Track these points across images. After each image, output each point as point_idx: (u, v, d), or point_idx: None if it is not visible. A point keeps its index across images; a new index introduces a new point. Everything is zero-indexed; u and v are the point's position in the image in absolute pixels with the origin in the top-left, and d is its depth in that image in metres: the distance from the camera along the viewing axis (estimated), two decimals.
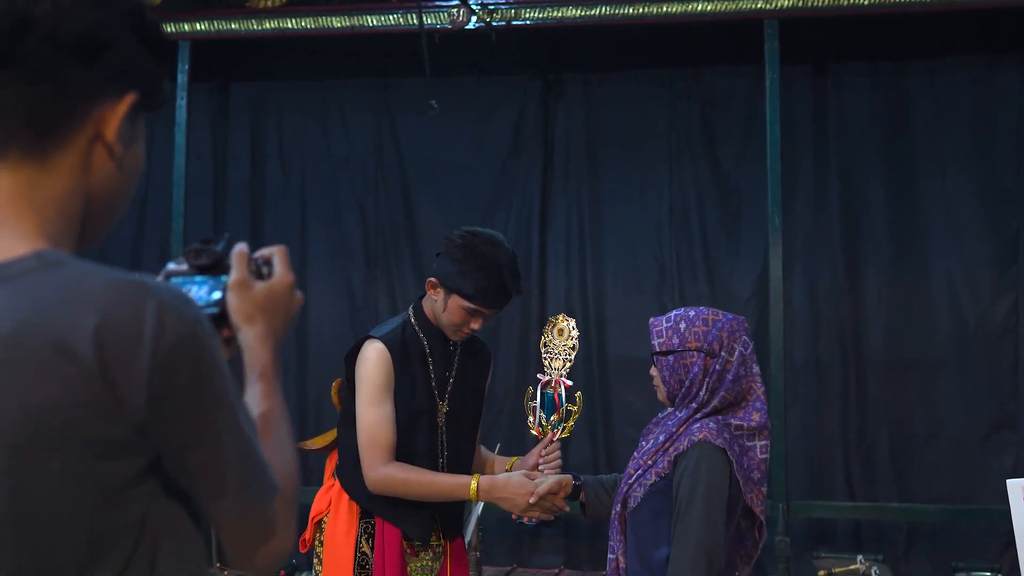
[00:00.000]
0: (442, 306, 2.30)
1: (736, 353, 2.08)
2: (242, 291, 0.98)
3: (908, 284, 3.99)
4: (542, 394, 2.40)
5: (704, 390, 2.08)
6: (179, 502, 0.90)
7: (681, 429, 2.07)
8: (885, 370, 3.96)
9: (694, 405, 2.08)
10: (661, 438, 2.10)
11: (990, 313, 3.90)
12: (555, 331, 2.44)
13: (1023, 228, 3.92)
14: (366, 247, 4.40)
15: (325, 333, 4.35)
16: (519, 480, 2.27)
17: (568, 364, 2.44)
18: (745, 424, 2.09)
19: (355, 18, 3.84)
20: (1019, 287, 3.89)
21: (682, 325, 2.12)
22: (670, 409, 2.16)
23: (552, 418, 2.37)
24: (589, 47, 4.19)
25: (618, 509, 2.15)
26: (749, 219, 4.13)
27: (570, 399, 2.40)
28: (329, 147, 4.41)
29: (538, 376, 2.42)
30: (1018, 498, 2.20)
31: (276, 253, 1.03)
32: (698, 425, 2.04)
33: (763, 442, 2.10)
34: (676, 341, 2.11)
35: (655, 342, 2.16)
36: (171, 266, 0.92)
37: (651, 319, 2.20)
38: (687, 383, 2.10)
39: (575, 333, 2.44)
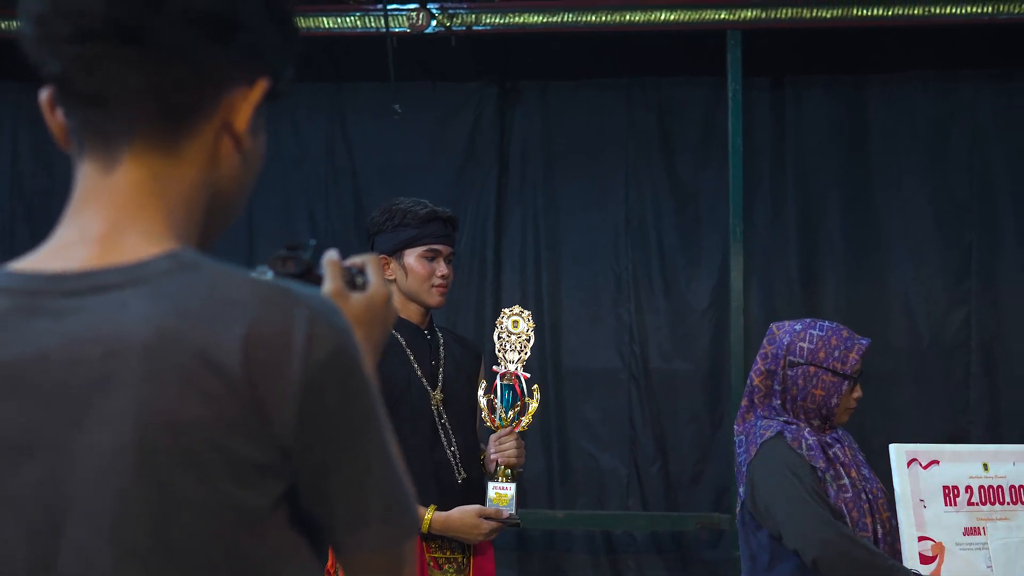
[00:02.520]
0: (403, 275, 2.29)
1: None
2: (339, 303, 0.89)
3: (864, 296, 4.01)
4: (500, 387, 2.35)
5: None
6: (304, 535, 0.80)
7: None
8: None
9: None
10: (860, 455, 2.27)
11: (944, 326, 3.93)
12: (510, 322, 2.40)
13: (976, 242, 3.96)
14: (317, 251, 4.30)
15: None
16: (472, 522, 2.23)
17: (524, 356, 2.40)
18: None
19: (312, 20, 3.75)
20: (972, 301, 3.93)
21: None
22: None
23: (511, 412, 2.33)
24: (546, 54, 4.15)
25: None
26: (706, 230, 4.12)
27: (527, 392, 2.35)
28: (279, 149, 4.30)
29: (494, 368, 2.36)
30: (902, 462, 2.25)
31: (368, 262, 0.94)
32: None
33: None
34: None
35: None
36: (253, 275, 0.82)
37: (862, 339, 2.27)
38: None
39: (531, 324, 2.39)
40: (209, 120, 0.82)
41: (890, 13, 3.57)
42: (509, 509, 2.29)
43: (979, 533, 2.23)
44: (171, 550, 0.75)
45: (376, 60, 3.74)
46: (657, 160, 4.18)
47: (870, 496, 2.18)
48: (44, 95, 0.83)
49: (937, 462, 2.28)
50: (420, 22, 3.69)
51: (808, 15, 3.57)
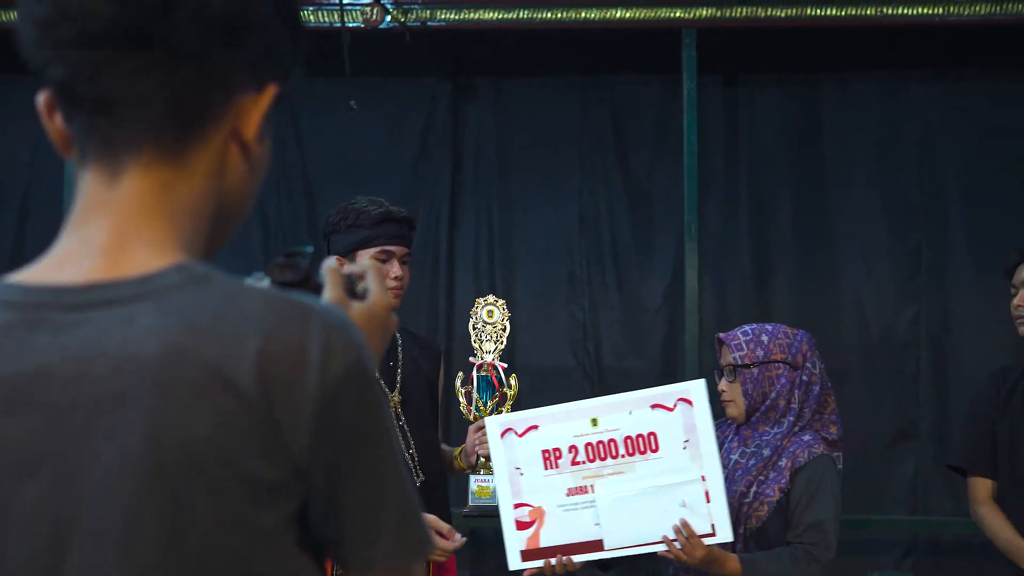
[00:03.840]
0: None
1: (818, 367, 2.12)
2: None
3: (816, 294, 4.04)
4: (477, 378, 2.33)
5: (796, 403, 2.10)
6: (310, 554, 0.78)
7: (786, 443, 2.09)
8: None
9: (791, 419, 2.11)
10: (766, 453, 2.11)
11: (894, 324, 3.98)
12: (484, 312, 2.38)
13: (925, 241, 4.00)
14: (266, 250, 4.24)
15: None
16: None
17: (500, 346, 2.38)
18: (829, 437, 2.14)
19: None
20: (921, 298, 3.98)
21: (764, 338, 2.14)
22: (742, 425, 2.17)
23: (489, 403, 2.32)
24: (500, 51, 4.12)
25: (740, 530, 2.15)
26: (660, 228, 4.12)
27: (504, 381, 2.34)
28: None
29: (470, 360, 2.34)
30: (496, 434, 2.26)
31: (369, 270, 0.92)
32: (809, 438, 2.09)
33: (838, 453, 2.17)
34: (761, 353, 2.11)
35: (735, 355, 2.15)
36: (249, 282, 0.80)
37: (722, 334, 2.19)
38: (772, 396, 2.10)
39: (505, 314, 2.38)
40: (218, 127, 0.80)
41: (843, 13, 3.59)
42: (492, 501, 2.27)
43: (586, 492, 2.21)
44: (180, 570, 0.72)
45: (328, 55, 3.68)
46: (611, 157, 4.17)
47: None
48: (41, 99, 0.80)
49: (536, 427, 2.26)
50: (375, 17, 3.65)
51: (763, 14, 3.58)
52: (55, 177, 3.88)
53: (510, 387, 2.31)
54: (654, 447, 2.16)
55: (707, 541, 2.11)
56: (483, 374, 2.29)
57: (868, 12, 3.59)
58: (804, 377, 2.14)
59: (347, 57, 3.33)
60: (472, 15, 3.71)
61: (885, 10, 3.58)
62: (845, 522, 3.82)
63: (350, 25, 3.67)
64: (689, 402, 2.14)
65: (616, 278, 4.15)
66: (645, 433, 2.16)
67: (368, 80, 4.04)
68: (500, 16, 3.71)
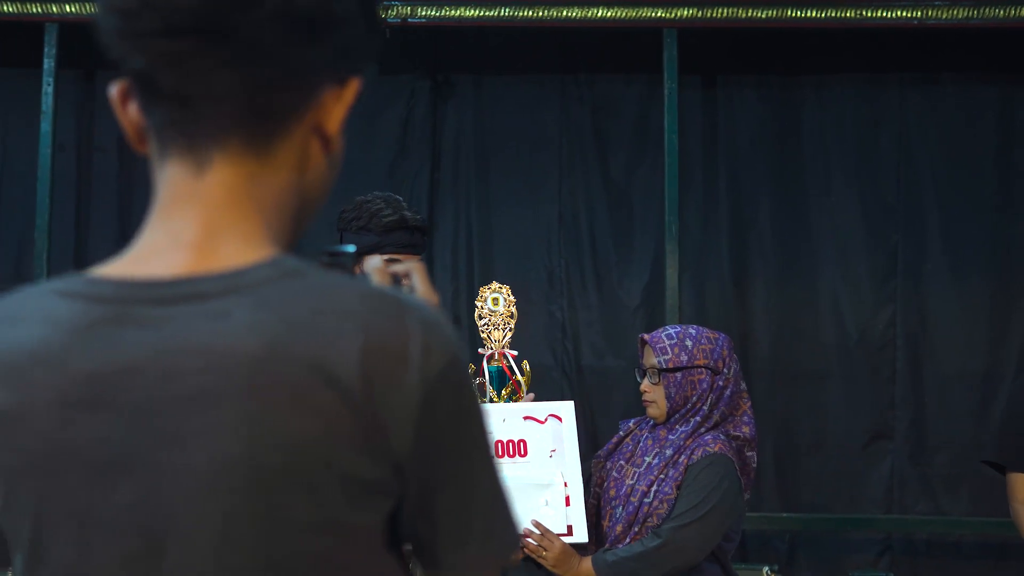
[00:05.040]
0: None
1: (733, 370, 2.14)
2: None
3: (794, 295, 4.05)
4: (488, 369, 2.33)
5: (707, 405, 2.12)
6: (397, 556, 0.76)
7: (689, 442, 2.11)
8: (771, 380, 4.01)
9: (698, 419, 2.14)
10: (669, 452, 2.13)
11: (871, 325, 4.00)
12: (490, 300, 2.36)
13: (902, 243, 4.03)
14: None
15: None
16: None
17: (509, 333, 2.37)
18: (740, 436, 2.15)
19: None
20: (898, 300, 4.00)
21: (688, 342, 2.15)
22: (659, 425, 2.17)
23: (503, 392, 2.31)
24: (480, 48, 4.10)
25: (636, 529, 2.14)
26: (639, 227, 4.12)
27: (517, 369, 2.33)
28: None
29: (480, 351, 2.33)
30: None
31: (414, 270, 0.90)
32: (710, 437, 2.11)
33: (752, 453, 2.17)
34: (685, 358, 2.13)
35: (660, 359, 2.16)
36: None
37: (647, 335, 2.21)
38: (693, 399, 2.12)
39: (511, 300, 2.36)
40: (300, 122, 0.78)
41: (823, 15, 3.60)
42: None
43: None
44: (278, 573, 0.70)
45: None
46: (591, 157, 4.16)
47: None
48: (115, 90, 0.78)
49: None
50: None
51: (743, 15, 3.59)
52: (25, 171, 3.83)
53: (524, 373, 2.31)
54: (523, 452, 2.30)
55: (565, 539, 2.22)
56: (495, 364, 2.28)
57: (848, 15, 3.61)
58: (720, 381, 2.18)
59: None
60: (452, 12, 3.70)
61: (865, 13, 3.60)
62: (821, 521, 3.86)
63: None
64: (559, 418, 2.33)
65: (595, 278, 4.15)
66: (516, 439, 2.28)
67: None
68: (480, 13, 3.69)
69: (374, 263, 0.87)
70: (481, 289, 2.35)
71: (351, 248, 0.89)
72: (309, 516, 0.70)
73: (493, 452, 0.78)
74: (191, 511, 0.70)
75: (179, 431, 0.70)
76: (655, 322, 4.01)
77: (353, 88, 0.80)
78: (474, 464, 0.76)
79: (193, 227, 0.76)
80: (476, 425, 0.76)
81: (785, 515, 3.85)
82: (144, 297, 0.73)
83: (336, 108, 0.80)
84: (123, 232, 4.13)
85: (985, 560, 3.84)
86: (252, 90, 0.75)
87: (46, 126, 3.67)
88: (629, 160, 4.15)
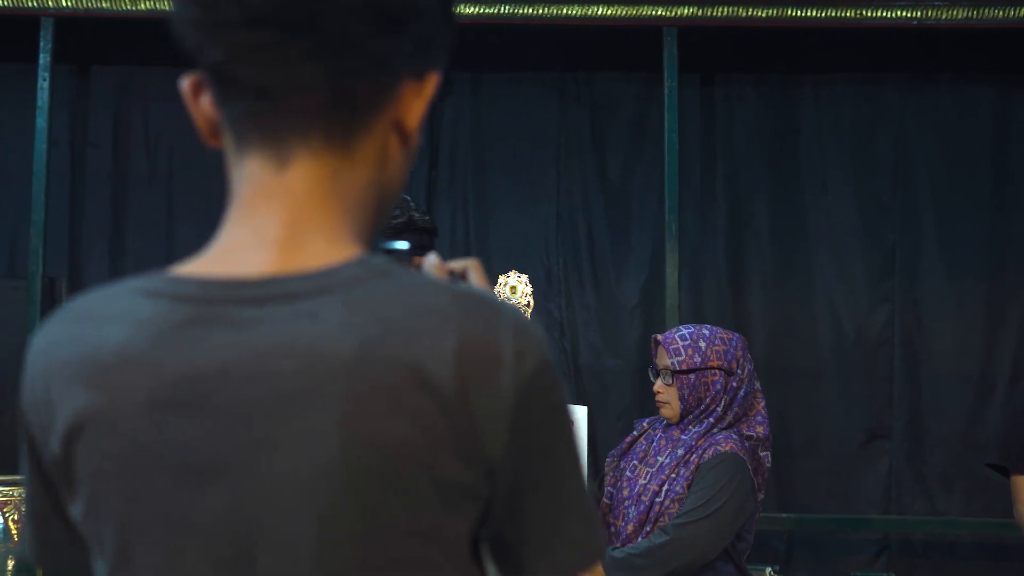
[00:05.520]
0: None
1: (747, 370, 2.12)
2: None
3: (791, 294, 4.05)
4: None
5: (720, 406, 2.11)
6: (478, 563, 0.75)
7: (701, 441, 2.10)
8: (768, 378, 3.99)
9: (711, 420, 2.12)
10: (681, 452, 2.11)
11: (868, 324, 4.00)
12: (507, 289, 2.34)
13: (899, 242, 4.03)
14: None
15: None
16: None
17: None
18: (754, 436, 2.13)
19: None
20: (895, 299, 4.01)
21: (702, 344, 2.14)
22: (673, 425, 2.16)
23: None
24: (479, 45, 4.08)
25: (648, 528, 2.13)
26: (636, 226, 4.11)
27: None
28: (199, 137, 4.15)
29: None
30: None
31: (471, 267, 0.89)
32: (722, 436, 2.09)
33: (766, 452, 2.16)
34: (698, 360, 2.11)
35: (673, 360, 2.14)
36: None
37: (660, 336, 2.19)
38: (707, 400, 2.11)
39: (528, 290, 2.34)
40: (381, 116, 0.76)
41: (823, 15, 3.60)
42: None
43: None
44: None
45: None
46: (588, 155, 4.15)
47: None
48: (186, 83, 0.76)
49: None
50: None
51: (744, 14, 3.58)
52: None
53: None
54: None
55: None
56: None
57: (847, 14, 3.61)
58: (735, 383, 2.17)
59: None
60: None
61: (864, 12, 3.60)
62: (818, 521, 3.86)
63: None
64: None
65: (593, 277, 4.14)
66: None
67: None
68: (480, 10, 3.67)
69: (430, 261, 0.85)
70: (500, 278, 2.33)
71: (405, 245, 0.87)
72: (404, 521, 0.69)
73: (579, 455, 0.77)
74: (285, 516, 0.68)
75: (273, 434, 0.69)
76: (653, 321, 4.01)
77: (433, 82, 0.78)
78: (563, 468, 0.74)
79: (277, 225, 0.74)
80: (565, 428, 0.74)
81: (784, 515, 3.85)
82: (232, 297, 0.72)
83: (416, 103, 0.78)
84: (117, 229, 4.10)
85: (982, 561, 3.85)
86: (334, 83, 0.73)
87: (41, 121, 3.63)
88: (627, 159, 4.14)
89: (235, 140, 0.76)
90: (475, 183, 4.16)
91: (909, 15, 3.60)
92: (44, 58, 3.63)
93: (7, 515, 3.02)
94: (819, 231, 4.04)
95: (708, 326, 2.24)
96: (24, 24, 3.71)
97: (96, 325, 0.73)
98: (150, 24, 3.84)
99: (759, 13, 3.59)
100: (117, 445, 0.71)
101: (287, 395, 0.68)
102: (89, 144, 4.16)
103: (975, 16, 3.56)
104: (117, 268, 4.05)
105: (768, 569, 3.36)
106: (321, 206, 0.75)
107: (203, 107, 0.77)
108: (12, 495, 3.04)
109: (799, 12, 3.60)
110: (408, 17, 0.75)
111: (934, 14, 3.60)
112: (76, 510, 0.74)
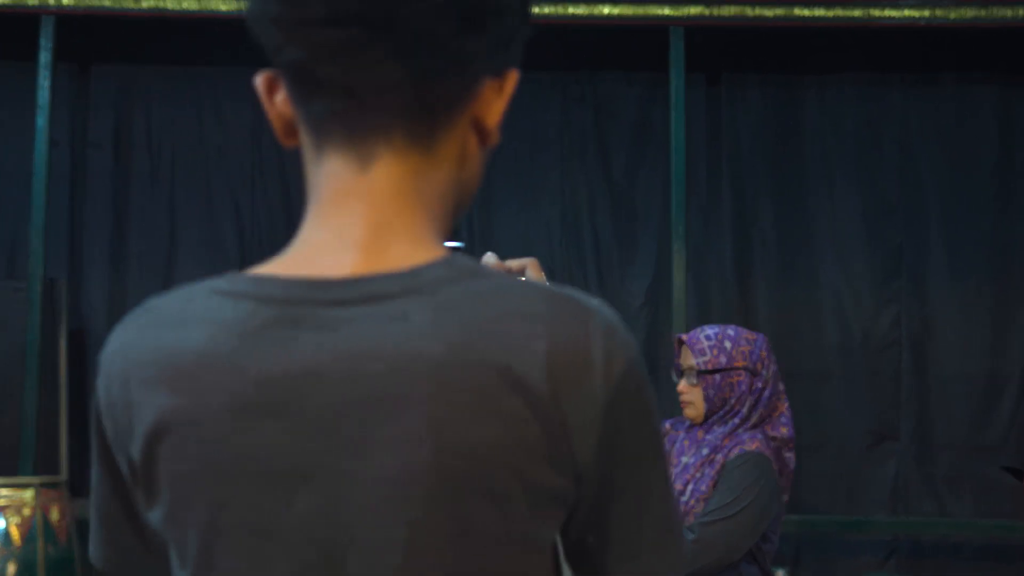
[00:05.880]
0: None
1: (771, 371, 2.11)
2: None
3: (796, 295, 4.03)
4: None
5: (745, 407, 2.09)
6: (557, 572, 0.74)
7: (727, 441, 2.08)
8: None
9: (736, 420, 2.11)
10: (706, 452, 2.09)
11: (874, 326, 3.98)
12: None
13: (906, 243, 4.02)
14: (241, 246, 4.14)
15: None
16: None
17: None
18: (778, 436, 2.12)
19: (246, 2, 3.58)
20: (901, 300, 3.99)
21: (727, 344, 2.12)
22: (697, 426, 2.14)
23: None
24: None
25: None
26: (641, 227, 4.09)
27: None
28: (202, 138, 4.12)
29: None
30: None
31: (529, 265, 0.87)
32: (748, 435, 2.08)
33: (791, 453, 2.15)
34: (724, 360, 2.09)
35: (698, 360, 2.12)
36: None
37: (685, 335, 2.17)
38: (731, 401, 2.09)
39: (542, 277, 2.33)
40: (462, 115, 0.75)
41: (831, 15, 3.59)
42: None
43: None
44: None
45: None
46: (592, 156, 4.13)
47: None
48: (260, 80, 0.74)
49: None
50: None
51: (751, 13, 3.56)
52: None
53: None
54: None
55: None
56: None
57: (856, 14, 3.59)
58: (759, 383, 2.16)
59: None
60: None
61: (873, 12, 3.59)
62: (827, 523, 3.84)
63: None
64: None
65: (597, 277, 4.11)
66: None
67: None
68: None
69: (488, 258, 0.84)
70: (509, 265, 2.32)
71: (460, 244, 0.86)
72: (495, 527, 0.67)
73: (666, 460, 0.75)
74: (373, 521, 0.67)
75: (362, 438, 0.67)
76: (659, 323, 3.99)
77: (513, 80, 0.77)
78: (650, 472, 0.73)
79: (361, 225, 0.73)
80: (654, 431, 0.73)
81: (792, 517, 3.82)
82: (317, 298, 0.70)
83: (496, 101, 0.77)
84: (118, 230, 4.06)
85: (991, 563, 3.83)
86: (418, 81, 0.72)
87: (42, 121, 3.59)
88: (630, 159, 4.12)
89: (315, 139, 0.75)
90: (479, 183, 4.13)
91: (918, 14, 3.59)
92: (45, 57, 3.59)
93: (9, 519, 2.98)
94: (824, 232, 4.03)
95: (732, 326, 2.22)
96: (24, 22, 3.67)
97: (176, 327, 0.72)
98: (152, 23, 3.81)
99: (767, 13, 3.57)
100: (200, 449, 0.69)
101: (376, 398, 0.67)
102: (90, 144, 4.12)
103: (985, 16, 3.54)
104: (118, 270, 4.01)
105: (780, 572, 3.35)
106: (404, 206, 0.74)
107: (278, 105, 0.75)
108: (15, 499, 3.00)
109: (806, 11, 3.58)
110: (489, 16, 0.74)
111: (944, 14, 3.59)
112: (155, 515, 0.73)
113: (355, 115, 0.73)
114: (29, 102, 3.65)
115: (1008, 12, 3.53)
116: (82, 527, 3.35)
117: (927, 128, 4.02)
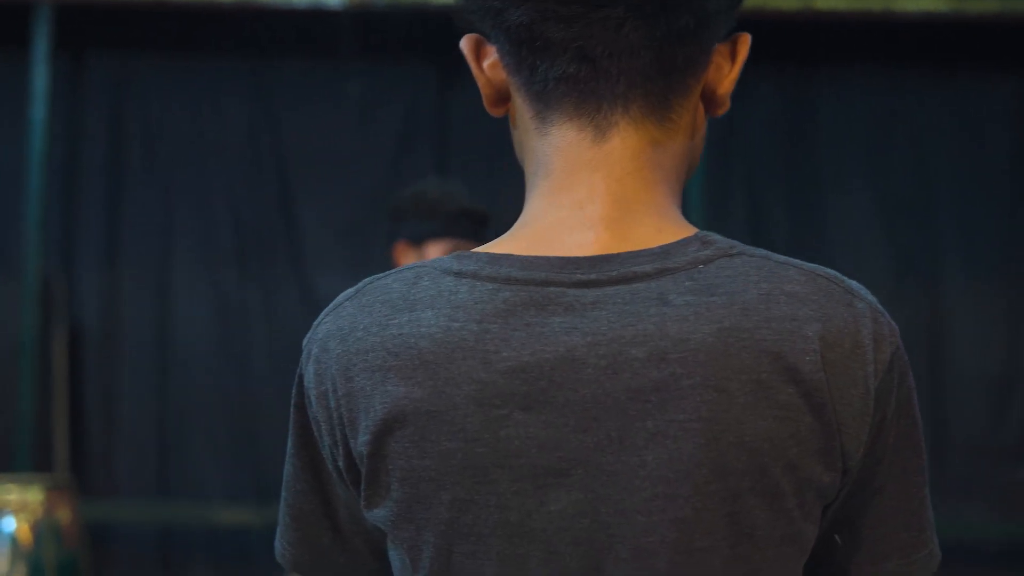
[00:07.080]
0: None
1: None
2: None
3: None
4: None
5: None
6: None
7: None
8: None
9: None
10: None
11: None
12: None
13: (920, 240, 3.97)
14: (238, 241, 4.04)
15: (191, 337, 3.96)
16: None
17: None
18: None
19: None
20: (916, 300, 3.95)
21: None
22: None
23: None
24: None
25: None
26: None
27: None
28: (199, 130, 4.01)
29: None
30: None
31: None
32: None
33: None
34: None
35: None
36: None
37: None
38: None
39: None
40: (698, 82, 0.69)
41: (851, 6, 3.51)
42: None
43: None
44: None
45: (304, 35, 3.51)
46: None
47: None
48: (467, 43, 0.70)
49: None
50: None
51: (771, 5, 3.48)
52: None
53: None
54: None
55: None
56: None
57: (876, 6, 3.51)
58: None
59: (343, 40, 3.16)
60: None
61: (892, 4, 3.51)
62: None
63: (332, 4, 3.50)
64: None
65: None
66: None
67: (345, 62, 3.86)
68: None
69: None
70: None
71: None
72: (770, 527, 0.62)
73: (924, 452, 0.70)
74: (639, 522, 0.61)
75: (625, 431, 0.61)
76: None
77: (746, 44, 0.72)
78: (909, 464, 0.68)
79: (602, 199, 0.67)
80: (916, 422, 0.68)
81: None
82: (563, 279, 0.64)
83: (731, 67, 0.72)
84: (114, 224, 3.96)
85: (1005, 565, 3.79)
86: (659, 44, 0.66)
87: (39, 112, 3.48)
88: None
89: (538, 107, 0.69)
90: (487, 177, 4.04)
91: (940, 6, 3.51)
92: (40, 46, 3.47)
93: (19, 520, 2.87)
94: (837, 230, 3.98)
95: None
96: (18, 11, 3.56)
97: (404, 310, 0.65)
98: (149, 12, 3.71)
99: (787, 4, 3.49)
100: (441, 443, 0.63)
101: (640, 386, 0.62)
102: (85, 136, 4.00)
103: (1010, 7, 3.47)
104: (114, 264, 3.91)
105: None
106: (644, 178, 0.68)
107: (487, 71, 0.71)
108: (21, 501, 2.90)
109: (827, 3, 3.51)
110: None
111: (966, 6, 3.51)
112: (381, 513, 0.66)
113: (592, 81, 0.67)
114: (20, 92, 3.53)
115: None
116: (90, 530, 3.26)
117: (942, 122, 3.96)
